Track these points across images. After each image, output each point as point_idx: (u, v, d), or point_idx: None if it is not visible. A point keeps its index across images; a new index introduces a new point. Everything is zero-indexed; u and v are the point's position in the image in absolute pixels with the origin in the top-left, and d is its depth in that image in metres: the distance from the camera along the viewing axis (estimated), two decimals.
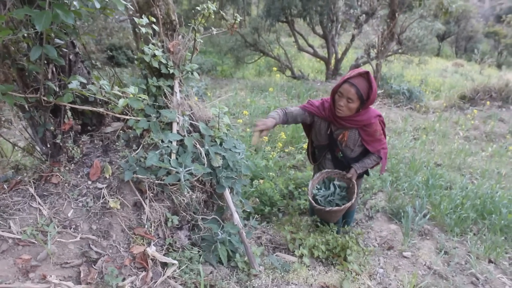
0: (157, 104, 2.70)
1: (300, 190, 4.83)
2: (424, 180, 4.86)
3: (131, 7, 2.69)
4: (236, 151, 2.73)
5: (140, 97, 2.14)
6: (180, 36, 2.77)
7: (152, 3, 2.67)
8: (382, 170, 3.35)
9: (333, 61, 15.50)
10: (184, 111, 2.69)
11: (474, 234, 4.17)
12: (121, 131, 2.65)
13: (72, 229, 2.26)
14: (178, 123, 2.63)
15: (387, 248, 3.90)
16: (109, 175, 2.47)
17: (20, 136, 2.86)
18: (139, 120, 2.54)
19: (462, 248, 3.96)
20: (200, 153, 2.55)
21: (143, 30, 2.43)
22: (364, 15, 12.04)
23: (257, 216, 4.29)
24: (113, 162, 2.55)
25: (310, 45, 16.72)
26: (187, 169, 2.38)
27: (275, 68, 14.30)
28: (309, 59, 21.32)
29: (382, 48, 9.11)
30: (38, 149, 2.53)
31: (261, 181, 4.98)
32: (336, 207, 3.15)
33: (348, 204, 3.12)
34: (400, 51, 12.01)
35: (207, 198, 2.74)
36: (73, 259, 2.17)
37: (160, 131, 2.57)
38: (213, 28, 2.90)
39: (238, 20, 2.87)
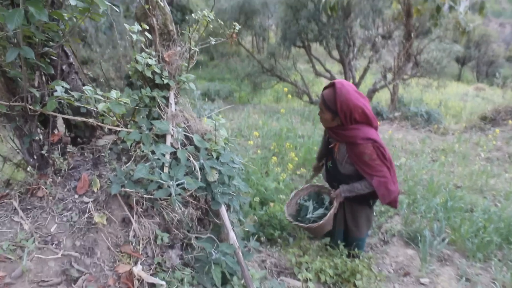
0: (151, 116, 2.58)
1: None
2: (443, 202, 4.59)
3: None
4: (234, 166, 2.56)
5: (122, 101, 2.01)
6: (178, 48, 2.67)
7: (148, 13, 2.58)
8: (382, 200, 3.04)
9: None
10: (179, 124, 2.56)
11: (499, 260, 3.86)
12: (112, 145, 2.53)
13: (54, 245, 2.12)
14: (172, 136, 2.50)
15: (403, 275, 3.64)
16: (97, 189, 2.33)
17: (13, 151, 2.77)
18: (131, 132, 2.42)
19: (486, 275, 3.66)
20: (194, 167, 2.40)
21: (134, 37, 2.32)
22: (380, 38, 11.92)
23: (264, 239, 4.12)
24: (103, 176, 2.42)
25: (327, 70, 16.65)
26: (178, 182, 2.23)
27: (289, 96, 14.21)
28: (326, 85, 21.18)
29: (398, 70, 8.93)
30: (26, 161, 2.41)
31: (271, 204, 4.79)
32: (303, 224, 3.17)
33: (314, 225, 3.13)
34: (418, 74, 11.80)
35: (202, 215, 2.57)
36: (52, 277, 2.01)
37: (152, 143, 2.44)
38: (211, 38, 2.79)
39: (237, 29, 2.76)
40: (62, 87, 2.07)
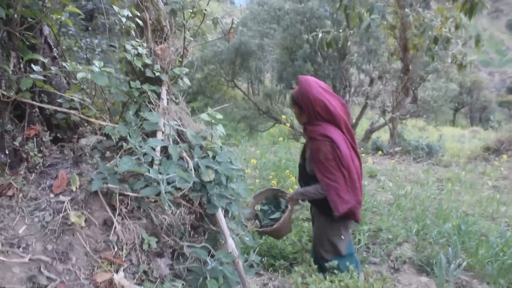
0: (140, 112, 2.34)
1: None
2: (455, 226, 4.28)
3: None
4: (233, 167, 2.29)
5: (105, 71, 1.76)
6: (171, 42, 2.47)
7: (140, 5, 2.40)
8: (334, 208, 2.76)
9: None
10: (173, 120, 2.31)
11: None
12: (97, 143, 2.26)
13: (20, 248, 1.80)
14: (163, 132, 2.24)
15: None
16: (76, 188, 2.04)
17: None
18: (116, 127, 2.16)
19: None
20: (187, 165, 2.12)
21: (124, 20, 2.12)
22: (377, 76, 11.95)
23: (264, 265, 3.78)
24: (84, 175, 2.13)
25: None
26: (169, 176, 1.94)
27: (281, 138, 14.08)
28: None
29: (397, 104, 8.83)
30: None
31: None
32: (257, 228, 2.97)
33: (268, 229, 3.12)
34: (415, 113, 11.74)
35: (196, 221, 2.26)
36: (15, 284, 1.68)
37: (141, 140, 2.18)
38: (208, 35, 2.60)
39: (236, 23, 2.58)
40: (41, 66, 1.83)
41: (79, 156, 2.22)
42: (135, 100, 2.29)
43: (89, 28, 6.85)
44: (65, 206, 1.95)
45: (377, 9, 6.91)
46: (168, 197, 1.97)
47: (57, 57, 2.42)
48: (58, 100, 2.33)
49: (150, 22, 2.54)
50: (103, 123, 2.18)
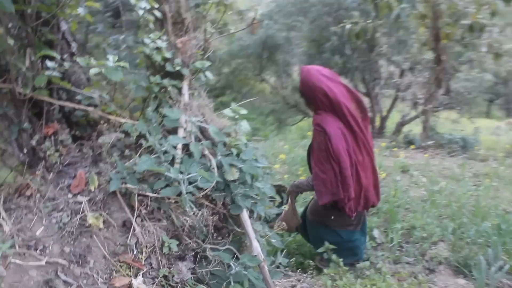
0: (160, 109, 2.24)
1: None
2: (495, 225, 4.03)
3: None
4: (258, 165, 2.17)
5: (120, 66, 1.66)
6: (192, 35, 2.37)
7: None
8: (318, 196, 2.71)
9: (378, 119, 14.93)
10: (195, 116, 2.20)
11: None
12: (117, 141, 2.18)
13: (38, 250, 1.73)
14: (185, 129, 2.14)
15: None
16: (94, 187, 1.96)
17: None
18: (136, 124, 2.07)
19: None
20: (210, 163, 2.01)
21: (141, 12, 2.02)
22: (408, 70, 11.57)
23: (293, 266, 3.65)
24: (103, 174, 2.06)
25: None
26: (190, 176, 1.84)
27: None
28: None
29: (429, 96, 8.48)
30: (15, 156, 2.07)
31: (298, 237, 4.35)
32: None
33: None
34: (448, 105, 11.29)
35: (220, 222, 2.15)
36: None
37: (162, 137, 2.09)
38: (231, 28, 2.47)
39: (259, 13, 2.43)
40: (56, 62, 1.75)
41: (98, 155, 2.15)
42: (155, 95, 2.19)
43: (115, 25, 6.84)
44: (83, 207, 1.88)
45: None
46: (190, 198, 1.87)
47: (75, 53, 2.34)
48: (77, 97, 2.26)
49: (170, 14, 2.44)
50: (122, 120, 2.09)
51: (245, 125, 2.19)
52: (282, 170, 6.08)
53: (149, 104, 2.24)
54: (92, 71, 1.68)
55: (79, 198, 1.93)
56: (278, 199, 2.67)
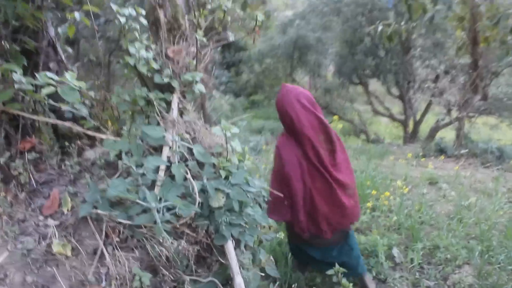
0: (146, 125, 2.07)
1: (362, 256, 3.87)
2: None
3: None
4: (249, 190, 1.97)
5: (76, 85, 1.49)
6: (184, 43, 2.18)
7: (152, 2, 2.13)
8: (267, 213, 2.59)
9: (411, 124, 14.41)
10: (182, 134, 2.02)
11: None
12: (99, 159, 2.03)
13: None
14: (171, 148, 1.96)
15: None
16: (67, 210, 1.82)
17: None
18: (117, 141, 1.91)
19: None
20: (192, 188, 1.82)
21: (122, 20, 1.84)
22: (443, 72, 11.05)
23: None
24: (79, 194, 1.91)
25: (386, 108, 15.82)
26: (165, 204, 1.66)
27: (339, 124, 13.50)
28: (386, 125, 20.22)
29: (464, 103, 8.01)
30: None
31: None
32: None
33: None
34: (486, 111, 10.71)
35: (204, 252, 1.96)
36: None
37: (147, 156, 1.92)
38: (229, 33, 2.28)
39: (261, 20, 2.23)
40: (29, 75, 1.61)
41: (78, 173, 2.00)
42: (141, 110, 2.02)
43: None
44: (52, 232, 1.73)
45: None
46: (165, 227, 1.69)
47: (63, 61, 2.21)
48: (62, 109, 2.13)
49: (166, 20, 2.26)
50: (102, 136, 1.93)
51: (236, 145, 1.98)
52: None
53: (136, 119, 2.08)
54: (44, 91, 1.52)
55: (50, 221, 1.79)
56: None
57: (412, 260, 3.83)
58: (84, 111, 1.93)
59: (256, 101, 22.81)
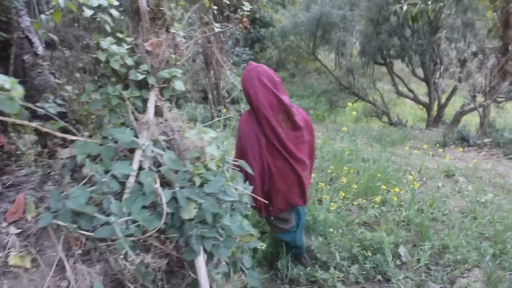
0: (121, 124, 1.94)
1: (367, 254, 3.72)
2: None
3: None
4: (226, 199, 1.82)
5: (11, 96, 1.34)
6: (164, 36, 2.01)
7: None
8: None
9: (435, 107, 13.93)
10: (157, 136, 1.88)
11: None
12: (70, 160, 1.91)
13: None
14: (143, 151, 1.83)
15: None
16: (31, 217, 1.72)
17: None
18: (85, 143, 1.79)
19: None
20: (160, 197, 1.69)
21: (88, 13, 1.69)
22: (472, 54, 10.52)
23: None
24: (46, 200, 1.80)
25: (410, 90, 15.32)
26: (123, 219, 1.53)
27: (354, 112, 13.17)
28: (410, 106, 19.70)
29: (491, 89, 7.61)
30: None
31: (320, 238, 4.00)
32: None
33: None
34: None
35: (175, 265, 1.84)
36: None
37: (121, 160, 1.80)
38: (214, 24, 2.10)
39: (247, 9, 2.03)
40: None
41: (48, 175, 1.89)
42: (113, 109, 1.89)
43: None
44: (11, 242, 1.64)
45: None
46: (128, 243, 1.57)
47: (39, 53, 2.08)
48: (37, 105, 2.01)
49: (148, 8, 2.09)
50: (71, 137, 1.81)
51: (212, 151, 1.83)
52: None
53: (111, 118, 1.95)
54: None
55: (11, 229, 1.69)
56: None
57: (419, 260, 3.67)
58: (52, 110, 1.82)
59: (282, 78, 22.49)
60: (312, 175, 5.21)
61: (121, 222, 1.56)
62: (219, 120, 7.78)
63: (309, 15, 15.10)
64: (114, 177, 1.69)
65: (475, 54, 10.45)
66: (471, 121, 13.58)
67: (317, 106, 18.59)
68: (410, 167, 5.85)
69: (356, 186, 4.81)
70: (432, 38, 12.05)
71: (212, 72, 7.75)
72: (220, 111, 8.39)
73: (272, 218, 3.11)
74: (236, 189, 1.96)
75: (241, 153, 2.74)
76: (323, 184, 4.52)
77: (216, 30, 2.11)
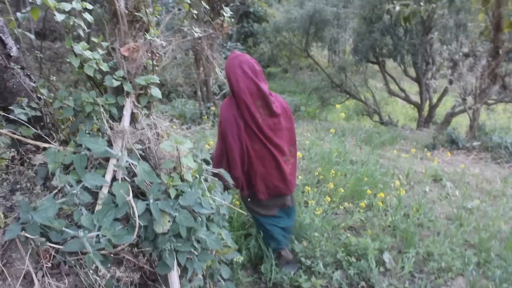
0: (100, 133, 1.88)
1: (351, 260, 3.68)
2: None
3: None
4: (201, 211, 1.77)
5: None
6: (141, 40, 1.95)
7: None
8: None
9: (426, 107, 13.95)
10: (132, 145, 1.82)
11: None
12: (41, 166, 1.85)
13: None
14: (118, 160, 1.77)
15: None
16: (0, 227, 1.65)
17: None
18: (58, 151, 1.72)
19: None
20: (132, 211, 1.63)
21: (60, 18, 1.62)
22: (463, 56, 10.52)
23: None
24: (16, 209, 1.74)
25: (401, 89, 15.32)
26: (92, 234, 1.48)
27: (342, 114, 13.17)
28: (402, 105, 19.71)
29: (481, 92, 7.60)
30: None
31: (304, 243, 3.95)
32: None
33: None
34: (506, 99, 10.23)
35: (148, 278, 1.79)
36: None
37: (95, 169, 1.74)
38: (194, 28, 2.04)
39: (228, 16, 1.98)
40: None
41: (18, 183, 1.83)
42: (87, 115, 1.83)
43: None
44: None
45: None
46: (98, 257, 1.51)
47: (12, 55, 2.01)
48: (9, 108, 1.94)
49: (126, 11, 2.03)
50: (44, 144, 1.75)
51: (188, 162, 1.77)
52: (300, 166, 5.63)
53: (85, 125, 1.88)
54: None
55: None
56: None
57: (403, 268, 3.64)
58: (23, 117, 1.75)
59: (272, 73, 22.40)
60: (299, 176, 5.19)
61: (92, 236, 1.51)
62: (207, 117, 7.72)
63: (303, 12, 15.01)
64: (86, 188, 1.63)
65: (466, 56, 10.46)
66: (461, 122, 13.62)
67: (308, 103, 18.51)
68: (398, 170, 5.83)
69: (343, 190, 4.76)
70: (424, 38, 12.03)
71: (201, 68, 7.67)
72: (209, 108, 8.31)
73: (249, 200, 3.24)
74: (214, 200, 1.91)
75: (222, 136, 2.92)
76: (309, 189, 4.47)
77: (196, 35, 2.03)
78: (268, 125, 2.94)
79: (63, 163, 1.73)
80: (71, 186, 1.58)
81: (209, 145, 5.33)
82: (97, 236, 1.54)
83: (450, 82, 9.15)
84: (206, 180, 2.07)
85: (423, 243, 4.05)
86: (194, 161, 1.90)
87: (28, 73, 2.13)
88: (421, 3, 8.16)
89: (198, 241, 1.78)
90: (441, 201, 5.06)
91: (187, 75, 16.45)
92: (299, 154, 5.58)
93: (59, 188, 1.72)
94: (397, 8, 8.18)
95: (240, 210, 2.82)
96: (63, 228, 1.47)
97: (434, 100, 13.65)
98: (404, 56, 12.95)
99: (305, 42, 16.41)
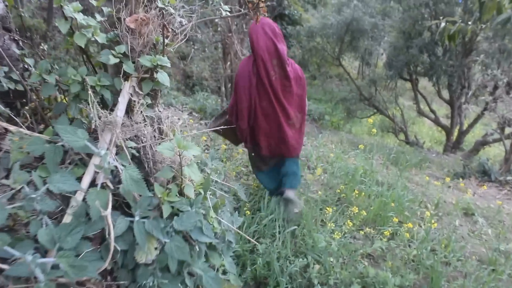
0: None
1: None
2: None
3: None
4: (201, 240, 1.35)
5: None
6: (153, 11, 1.54)
7: None
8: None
9: (456, 132, 13.29)
10: (123, 142, 1.41)
11: None
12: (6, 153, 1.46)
13: None
14: (101, 159, 1.36)
15: None
16: None
17: None
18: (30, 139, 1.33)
19: None
20: (108, 231, 1.22)
21: None
22: (505, 83, 9.91)
23: None
24: None
25: (432, 111, 14.68)
26: (44, 260, 1.07)
27: (374, 130, 12.65)
28: (429, 127, 19.04)
29: None
30: None
31: (317, 266, 3.52)
32: None
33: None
34: None
35: None
36: None
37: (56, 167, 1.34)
38: (222, 5, 1.62)
39: None
40: None
41: None
42: (74, 97, 1.43)
43: None
44: None
45: None
46: (50, 286, 1.11)
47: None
48: None
49: None
50: (12, 127, 1.36)
51: (192, 173, 1.36)
52: (321, 180, 5.18)
53: (71, 108, 1.48)
54: None
55: None
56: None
57: None
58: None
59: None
60: (319, 192, 4.74)
61: (44, 261, 1.10)
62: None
63: (340, 18, 14.49)
64: (50, 192, 1.23)
65: (509, 85, 9.86)
66: (489, 151, 12.93)
67: (333, 113, 18.01)
68: (426, 198, 5.33)
69: (365, 213, 4.30)
70: (464, 60, 11.42)
71: (228, 63, 7.29)
72: None
73: (253, 154, 3.47)
74: (220, 222, 1.49)
75: (235, 88, 3.17)
76: (330, 209, 4.01)
77: (224, 14, 1.62)
78: (280, 85, 3.11)
79: (34, 155, 1.34)
80: (35, 186, 1.18)
81: (226, 145, 4.95)
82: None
83: (488, 108, 8.55)
84: (213, 194, 1.66)
85: (449, 286, 3.58)
86: (201, 171, 1.49)
87: (16, 38, 1.75)
88: (469, 22, 7.60)
89: (192, 275, 1.36)
90: (472, 239, 4.55)
91: (213, 69, 16.18)
92: (318, 170, 5.13)
93: (18, 188, 1.32)
94: (443, 24, 7.67)
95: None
96: (5, 248, 1.07)
97: (465, 126, 13.00)
98: (440, 77, 12.32)
99: (338, 50, 15.89)
